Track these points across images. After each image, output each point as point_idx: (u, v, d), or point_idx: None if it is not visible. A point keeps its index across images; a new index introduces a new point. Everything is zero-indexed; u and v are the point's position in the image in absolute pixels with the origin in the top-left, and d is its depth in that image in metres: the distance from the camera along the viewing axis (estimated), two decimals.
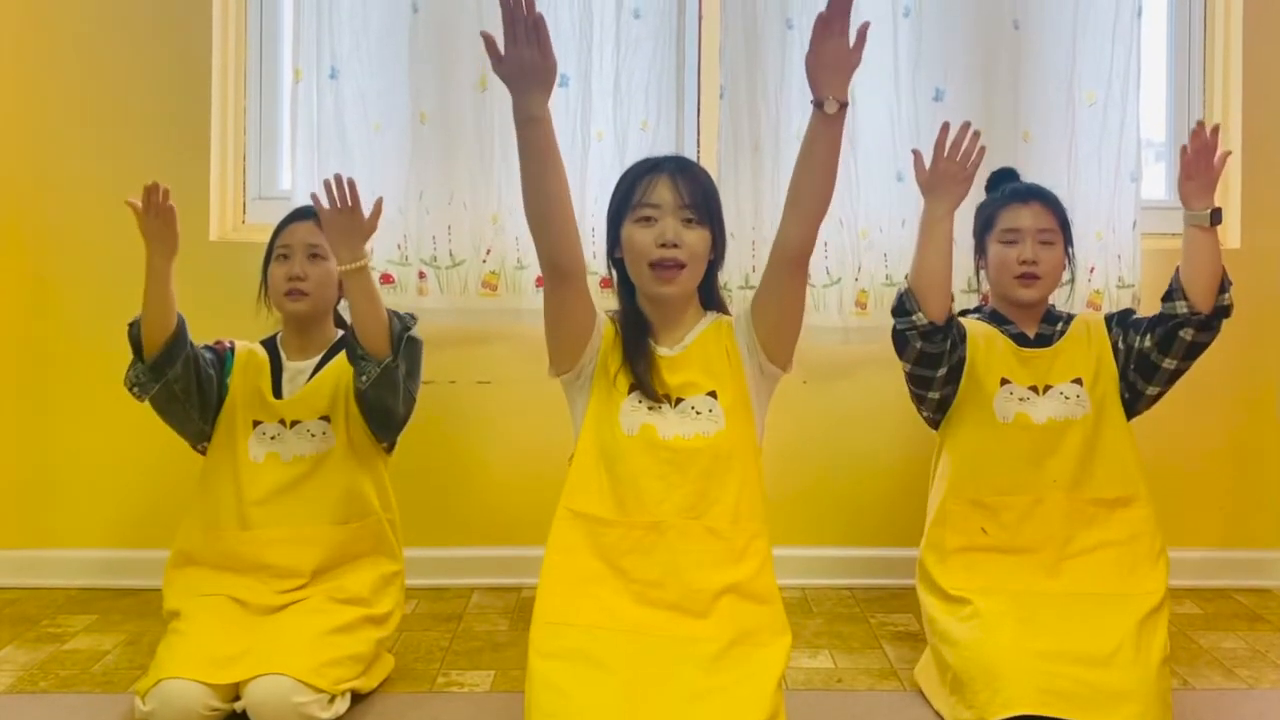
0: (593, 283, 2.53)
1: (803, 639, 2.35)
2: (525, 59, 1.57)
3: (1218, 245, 2.02)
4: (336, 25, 2.64)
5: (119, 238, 2.66)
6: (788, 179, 2.65)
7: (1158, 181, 2.91)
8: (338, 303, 2.20)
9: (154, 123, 2.72)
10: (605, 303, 1.94)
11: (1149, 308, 2.64)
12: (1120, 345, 2.12)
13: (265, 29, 2.86)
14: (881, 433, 2.74)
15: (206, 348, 2.12)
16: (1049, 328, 2.17)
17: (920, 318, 2.01)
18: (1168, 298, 2.05)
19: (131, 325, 2.01)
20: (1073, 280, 2.25)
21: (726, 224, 1.88)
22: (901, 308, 2.05)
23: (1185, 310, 2.01)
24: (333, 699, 1.86)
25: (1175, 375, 2.07)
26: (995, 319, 2.19)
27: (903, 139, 2.66)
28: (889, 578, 2.70)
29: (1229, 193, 2.80)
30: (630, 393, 1.78)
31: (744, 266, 2.68)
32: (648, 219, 1.76)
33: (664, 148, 2.65)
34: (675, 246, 1.74)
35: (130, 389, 2.02)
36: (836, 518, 2.79)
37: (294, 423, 2.09)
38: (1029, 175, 2.32)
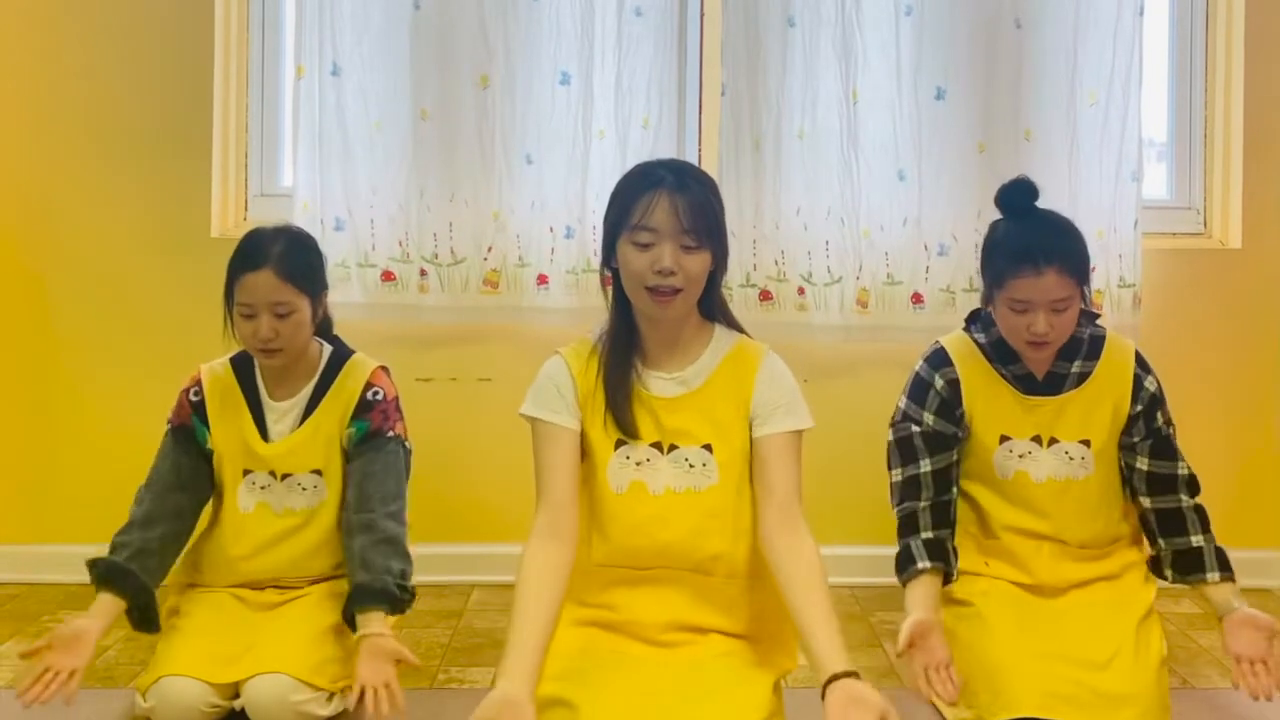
0: (593, 281, 2.55)
1: None
2: None
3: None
4: (338, 22, 2.64)
5: (120, 234, 2.69)
6: (789, 176, 2.68)
7: (1159, 181, 2.91)
8: (317, 330, 2.02)
9: (156, 118, 2.72)
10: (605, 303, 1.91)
11: (1149, 306, 2.67)
12: (1132, 428, 2.01)
13: (267, 25, 2.86)
14: (882, 430, 2.71)
15: (173, 430, 1.99)
16: (1064, 364, 1.99)
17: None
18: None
19: (92, 565, 1.93)
20: (1085, 301, 2.04)
21: (727, 222, 1.81)
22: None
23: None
24: (331, 696, 1.86)
25: None
26: (1000, 353, 2.01)
27: (904, 137, 2.66)
28: (889, 576, 2.66)
29: (1230, 192, 2.80)
30: (617, 448, 1.69)
31: (744, 265, 2.68)
32: (645, 243, 1.63)
33: (665, 145, 2.66)
34: (673, 274, 1.63)
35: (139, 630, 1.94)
36: (837, 516, 2.77)
37: (285, 475, 1.99)
38: (1030, 175, 2.30)
